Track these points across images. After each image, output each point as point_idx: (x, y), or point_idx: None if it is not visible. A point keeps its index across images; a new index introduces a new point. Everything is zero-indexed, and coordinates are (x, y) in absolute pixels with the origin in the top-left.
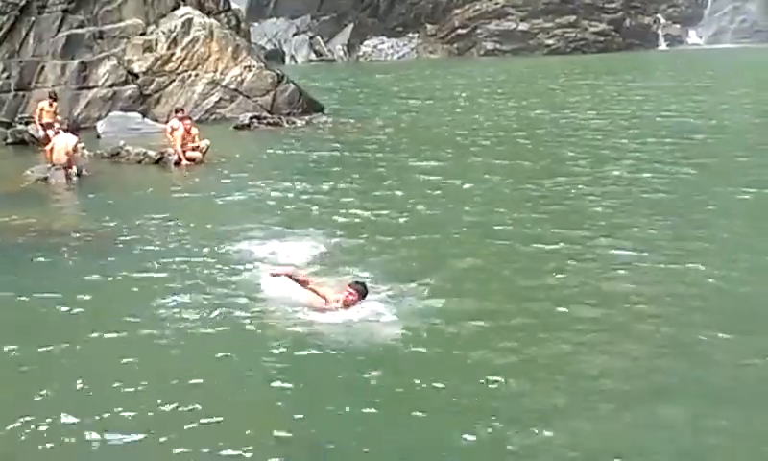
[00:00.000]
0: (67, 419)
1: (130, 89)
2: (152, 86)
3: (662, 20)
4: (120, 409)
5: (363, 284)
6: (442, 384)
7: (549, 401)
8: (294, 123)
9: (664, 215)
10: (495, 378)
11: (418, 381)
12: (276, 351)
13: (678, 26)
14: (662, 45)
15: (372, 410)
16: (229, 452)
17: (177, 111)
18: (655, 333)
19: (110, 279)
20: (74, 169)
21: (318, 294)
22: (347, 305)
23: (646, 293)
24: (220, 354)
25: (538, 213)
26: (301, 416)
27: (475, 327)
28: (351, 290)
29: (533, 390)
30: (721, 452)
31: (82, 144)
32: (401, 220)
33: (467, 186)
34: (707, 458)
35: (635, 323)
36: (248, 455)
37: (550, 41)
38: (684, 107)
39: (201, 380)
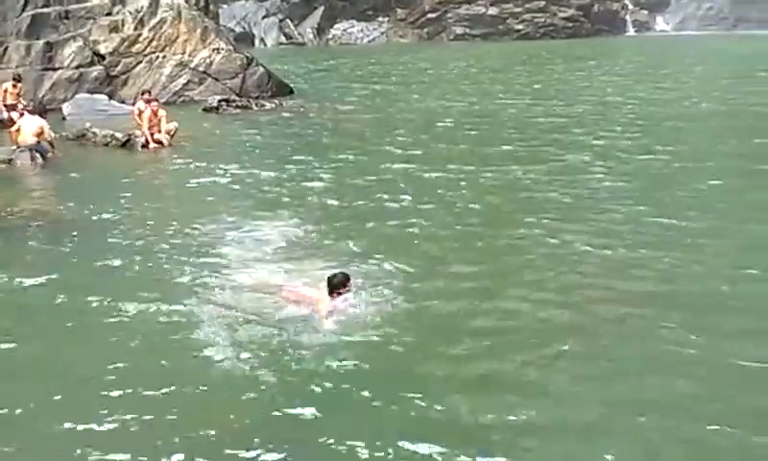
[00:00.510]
0: (20, 410)
1: (96, 71)
2: (118, 68)
3: (630, 6)
4: (78, 404)
5: (343, 274)
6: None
7: (513, 413)
8: (263, 106)
9: (628, 204)
10: (459, 386)
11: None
12: (246, 344)
13: (646, 12)
14: (630, 31)
15: (352, 411)
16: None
17: (143, 93)
18: (620, 336)
19: (75, 263)
20: (50, 152)
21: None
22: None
23: (610, 287)
24: (189, 345)
25: (503, 200)
26: (276, 412)
27: (444, 324)
28: (340, 290)
29: (491, 401)
30: None
31: (47, 126)
32: (370, 206)
33: (433, 173)
34: None
35: (598, 322)
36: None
37: (519, 26)
38: (651, 93)
39: (167, 374)
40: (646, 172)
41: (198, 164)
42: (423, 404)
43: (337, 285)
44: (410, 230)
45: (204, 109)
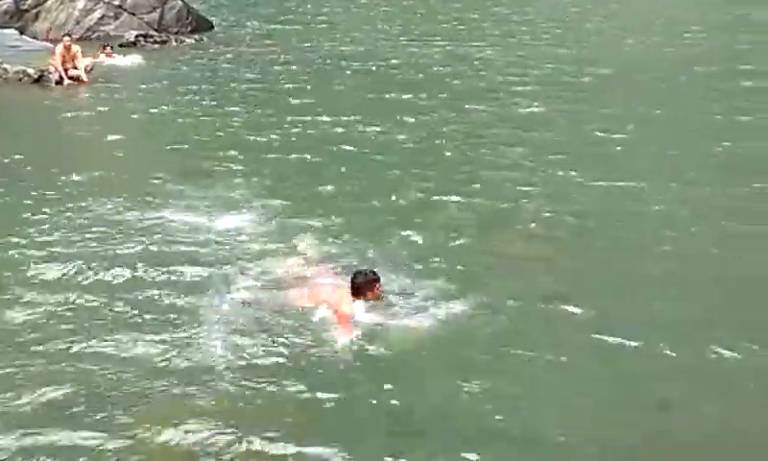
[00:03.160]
0: None
1: (5, 4)
2: (29, 2)
3: None
4: None
5: (371, 273)
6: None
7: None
8: (183, 42)
9: (539, 153)
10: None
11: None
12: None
13: None
14: None
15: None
16: None
17: (64, 36)
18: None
19: None
20: None
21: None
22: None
23: (507, 253)
24: (122, 313)
25: (401, 157)
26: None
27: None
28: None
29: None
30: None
31: None
32: (296, 151)
33: (332, 124)
34: None
35: (501, 299)
36: None
37: None
38: (580, 35)
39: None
40: (562, 121)
41: (115, 103)
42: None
43: (362, 286)
44: (313, 188)
45: (121, 45)
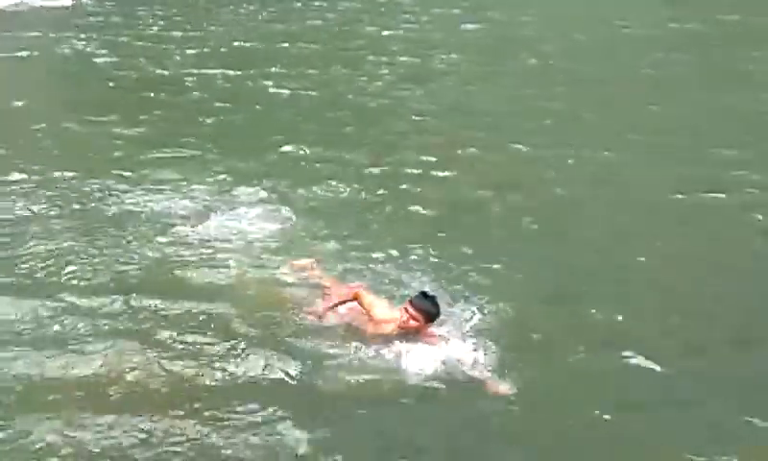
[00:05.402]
0: None
1: None
2: None
3: None
4: None
5: (432, 301)
6: None
7: None
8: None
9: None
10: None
11: None
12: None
13: None
14: None
15: None
16: None
17: None
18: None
19: None
20: None
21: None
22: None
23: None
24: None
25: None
26: None
27: None
28: (413, 312)
29: None
30: None
31: None
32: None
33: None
34: None
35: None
36: None
37: None
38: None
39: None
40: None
41: (18, 43)
42: None
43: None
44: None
45: None
